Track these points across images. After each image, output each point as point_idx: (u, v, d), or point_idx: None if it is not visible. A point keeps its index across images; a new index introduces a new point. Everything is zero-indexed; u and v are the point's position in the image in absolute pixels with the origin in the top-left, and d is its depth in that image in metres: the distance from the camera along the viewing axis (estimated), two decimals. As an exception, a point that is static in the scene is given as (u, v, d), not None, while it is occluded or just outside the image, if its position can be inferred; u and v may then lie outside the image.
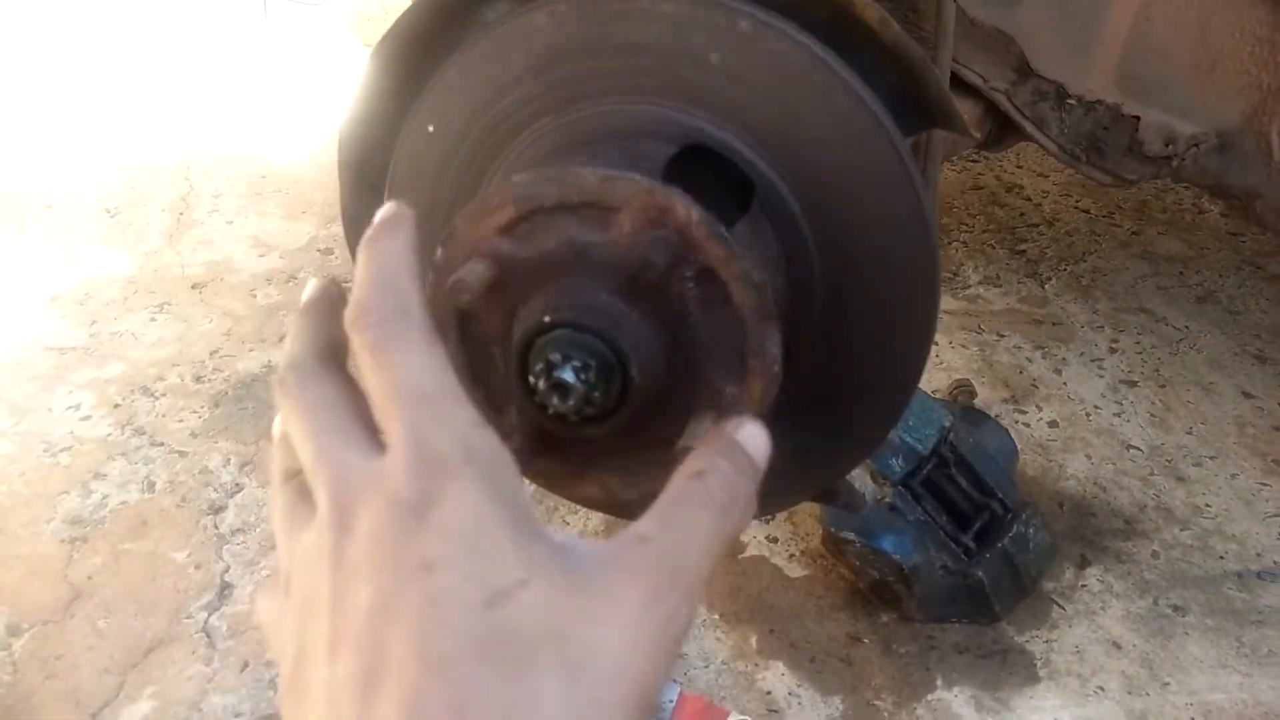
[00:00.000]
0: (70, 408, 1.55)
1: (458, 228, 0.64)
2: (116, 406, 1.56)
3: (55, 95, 2.40)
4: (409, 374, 0.40)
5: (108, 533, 1.36)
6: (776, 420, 0.70)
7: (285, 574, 0.40)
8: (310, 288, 0.47)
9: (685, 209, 0.63)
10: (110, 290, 1.80)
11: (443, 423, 0.39)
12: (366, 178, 0.87)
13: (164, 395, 1.58)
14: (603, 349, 0.64)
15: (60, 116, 2.32)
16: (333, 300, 0.47)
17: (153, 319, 1.74)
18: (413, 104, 0.81)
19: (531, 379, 0.65)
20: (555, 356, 0.64)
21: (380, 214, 0.46)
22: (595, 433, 0.58)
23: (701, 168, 0.71)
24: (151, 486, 1.43)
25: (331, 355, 0.44)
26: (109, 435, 1.50)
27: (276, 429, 0.45)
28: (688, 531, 0.41)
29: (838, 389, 0.80)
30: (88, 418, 1.53)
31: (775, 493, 0.91)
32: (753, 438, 0.47)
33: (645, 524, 0.41)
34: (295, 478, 0.43)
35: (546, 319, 0.64)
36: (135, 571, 1.31)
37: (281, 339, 1.71)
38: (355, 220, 0.90)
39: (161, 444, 1.49)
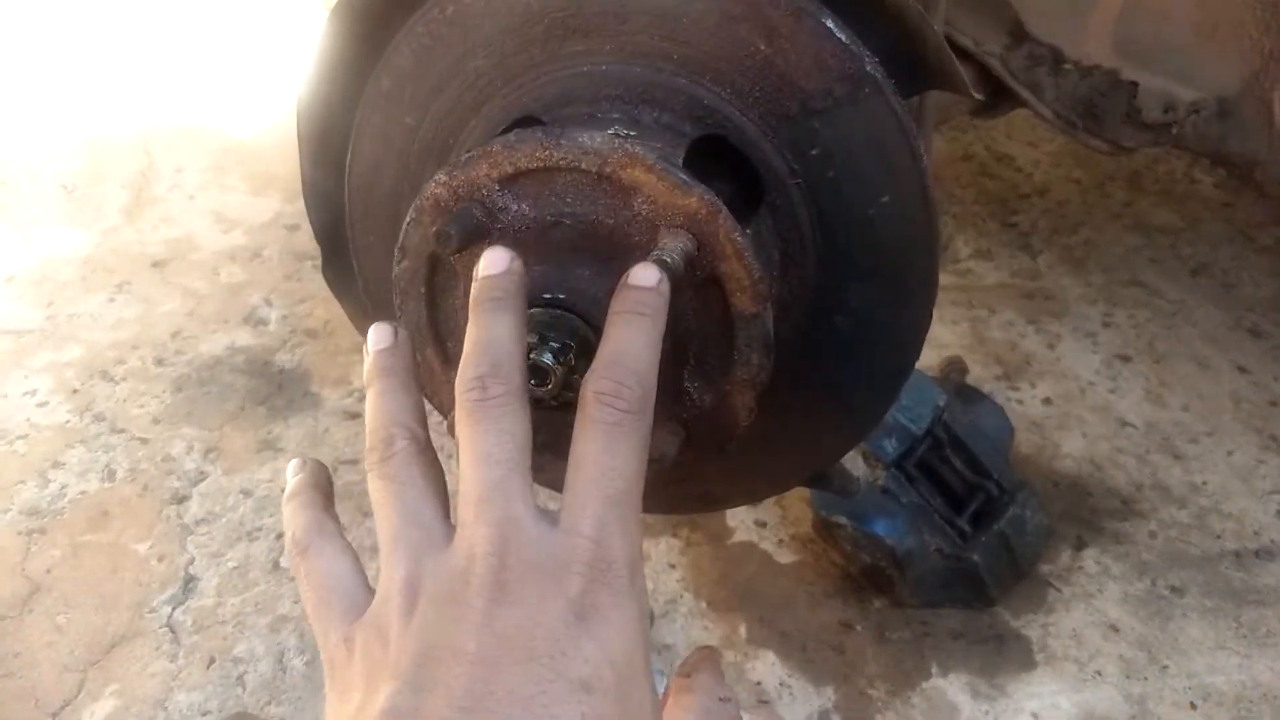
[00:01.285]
0: (27, 393, 1.48)
1: (460, 164, 0.58)
2: (75, 392, 1.49)
3: (7, 68, 2.31)
4: (626, 471, 0.43)
5: (67, 524, 1.29)
6: (768, 403, 0.65)
7: (406, 591, 0.41)
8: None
9: (717, 216, 0.57)
10: (68, 270, 1.73)
11: (626, 530, 0.41)
12: (328, 148, 0.81)
13: (124, 379, 1.51)
14: (586, 331, 0.58)
15: (13, 90, 2.23)
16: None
17: (112, 300, 1.67)
18: (374, 68, 0.75)
19: None
20: (533, 338, 0.58)
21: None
22: (569, 415, 0.53)
23: (710, 151, 0.65)
24: (112, 475, 1.36)
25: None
26: (67, 422, 1.44)
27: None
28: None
29: (833, 369, 0.75)
30: (45, 404, 1.47)
31: (768, 477, 0.86)
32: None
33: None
34: (425, 458, 0.47)
35: (545, 296, 0.59)
36: (96, 564, 1.25)
37: (247, 319, 1.64)
38: (317, 193, 0.84)
39: (122, 430, 1.43)
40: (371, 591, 0.44)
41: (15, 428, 1.42)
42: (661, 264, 0.54)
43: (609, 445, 0.43)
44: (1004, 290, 1.81)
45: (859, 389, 0.77)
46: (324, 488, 0.52)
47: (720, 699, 0.53)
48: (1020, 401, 1.57)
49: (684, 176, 0.56)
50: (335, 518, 0.50)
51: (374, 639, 0.41)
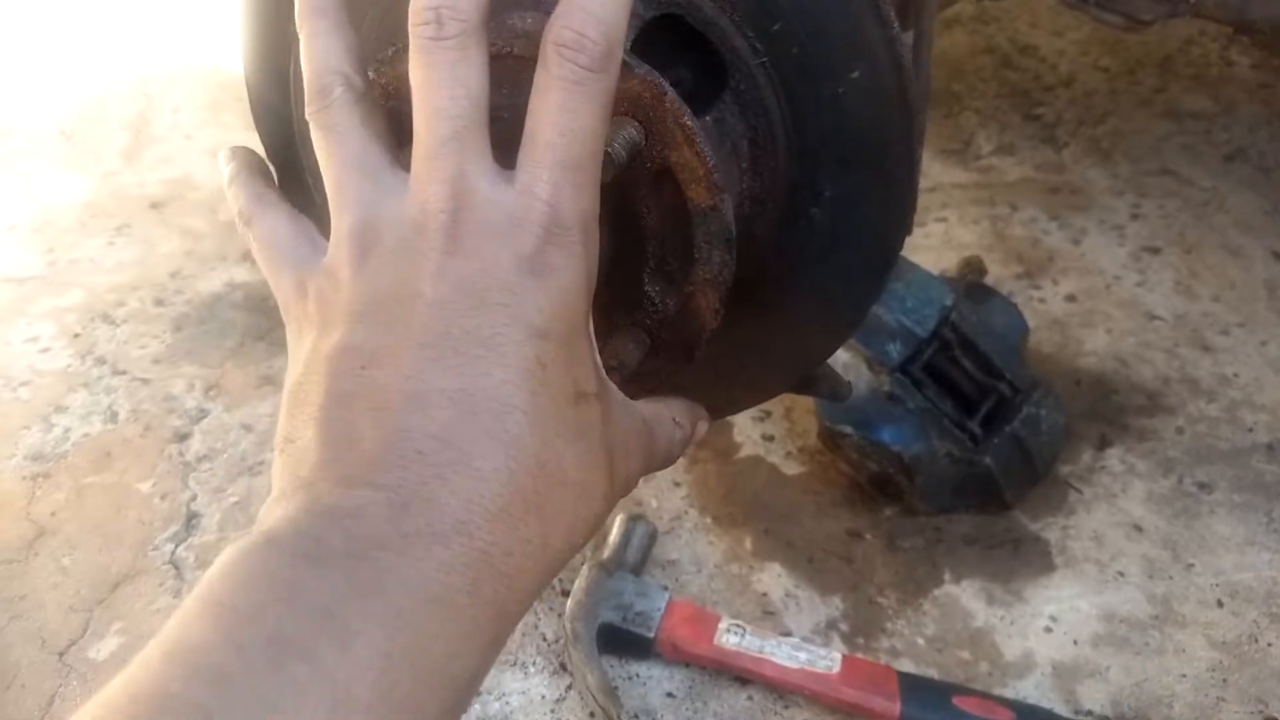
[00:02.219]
0: (29, 340, 1.48)
1: (387, 60, 0.53)
2: (76, 336, 1.48)
3: (4, 14, 2.28)
4: (585, 132, 0.42)
5: (70, 467, 1.30)
6: (741, 305, 0.61)
7: (356, 239, 0.41)
8: None
9: (662, 99, 0.53)
10: (68, 215, 1.72)
11: (581, 192, 0.41)
12: (272, 59, 0.78)
13: (125, 321, 1.50)
14: None
15: (9, 38, 2.21)
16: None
17: (111, 243, 1.65)
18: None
19: None
20: None
21: None
22: None
23: (666, 29, 0.60)
24: (114, 417, 1.36)
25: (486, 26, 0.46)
26: (69, 366, 1.44)
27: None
28: (662, 443, 0.53)
29: (811, 266, 0.71)
30: (47, 349, 1.46)
31: (749, 384, 0.82)
32: (701, 417, 0.59)
33: (647, 409, 0.51)
34: (367, 102, 0.46)
35: None
36: (99, 505, 1.25)
37: (245, 255, 1.62)
38: (264, 107, 0.81)
39: (123, 372, 1.42)
40: (324, 248, 0.44)
41: (18, 374, 1.42)
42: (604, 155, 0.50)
43: (568, 104, 0.41)
44: (1027, 185, 1.73)
45: (840, 286, 0.73)
46: (260, 169, 0.53)
47: (674, 420, 0.53)
48: (1043, 300, 1.51)
49: (629, 58, 0.52)
50: (278, 190, 0.51)
51: (327, 283, 0.42)
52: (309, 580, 0.34)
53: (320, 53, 0.46)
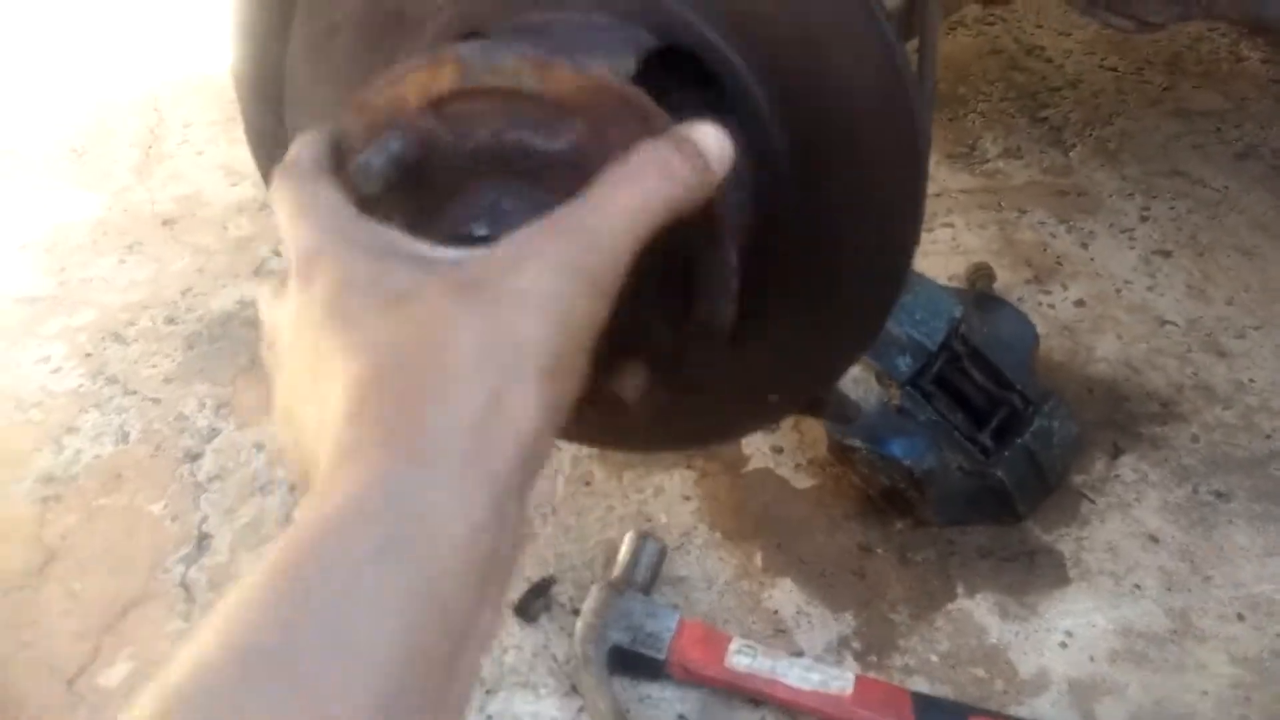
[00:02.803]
0: (40, 360, 1.49)
1: (372, 93, 0.53)
2: (88, 356, 1.49)
3: (13, 33, 2.29)
4: (288, 208, 0.46)
5: (81, 489, 1.30)
6: (749, 327, 0.61)
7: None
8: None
9: (660, 124, 0.52)
10: (79, 234, 1.73)
11: (314, 225, 0.44)
12: (265, 85, 0.78)
13: (136, 340, 1.51)
14: None
15: (21, 55, 2.22)
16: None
17: (123, 261, 1.66)
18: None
19: None
20: None
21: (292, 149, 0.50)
22: None
23: (661, 58, 0.60)
24: (125, 437, 1.36)
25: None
26: (80, 386, 1.44)
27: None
28: (604, 199, 0.44)
29: (818, 286, 0.70)
30: (58, 370, 1.47)
31: (758, 407, 0.82)
32: (704, 127, 0.48)
33: (558, 211, 0.43)
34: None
35: (480, 232, 0.54)
36: (110, 528, 1.25)
37: (257, 270, 1.63)
38: (258, 133, 0.81)
39: (134, 392, 1.43)
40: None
41: (30, 396, 1.43)
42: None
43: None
44: (1034, 189, 1.72)
45: (850, 305, 0.72)
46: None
47: (646, 156, 0.46)
48: (1051, 306, 1.49)
49: (630, 89, 0.51)
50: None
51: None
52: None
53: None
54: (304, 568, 0.35)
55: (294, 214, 0.46)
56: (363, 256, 0.43)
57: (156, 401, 1.41)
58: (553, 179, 0.50)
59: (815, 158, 0.64)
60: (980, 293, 1.32)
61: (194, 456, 1.34)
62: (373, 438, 0.38)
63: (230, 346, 1.49)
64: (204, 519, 1.26)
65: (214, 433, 1.37)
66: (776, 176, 0.63)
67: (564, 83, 0.49)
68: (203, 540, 1.23)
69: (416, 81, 0.50)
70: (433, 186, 0.52)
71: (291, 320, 0.44)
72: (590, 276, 0.42)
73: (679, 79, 0.59)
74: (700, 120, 0.48)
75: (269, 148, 0.83)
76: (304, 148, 0.50)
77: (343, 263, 0.43)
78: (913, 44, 1.00)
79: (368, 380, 0.39)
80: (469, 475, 0.37)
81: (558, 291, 0.41)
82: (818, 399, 0.83)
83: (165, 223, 1.75)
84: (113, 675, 1.10)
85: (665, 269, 0.57)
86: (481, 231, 0.51)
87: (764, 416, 0.86)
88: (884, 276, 0.69)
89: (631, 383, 0.57)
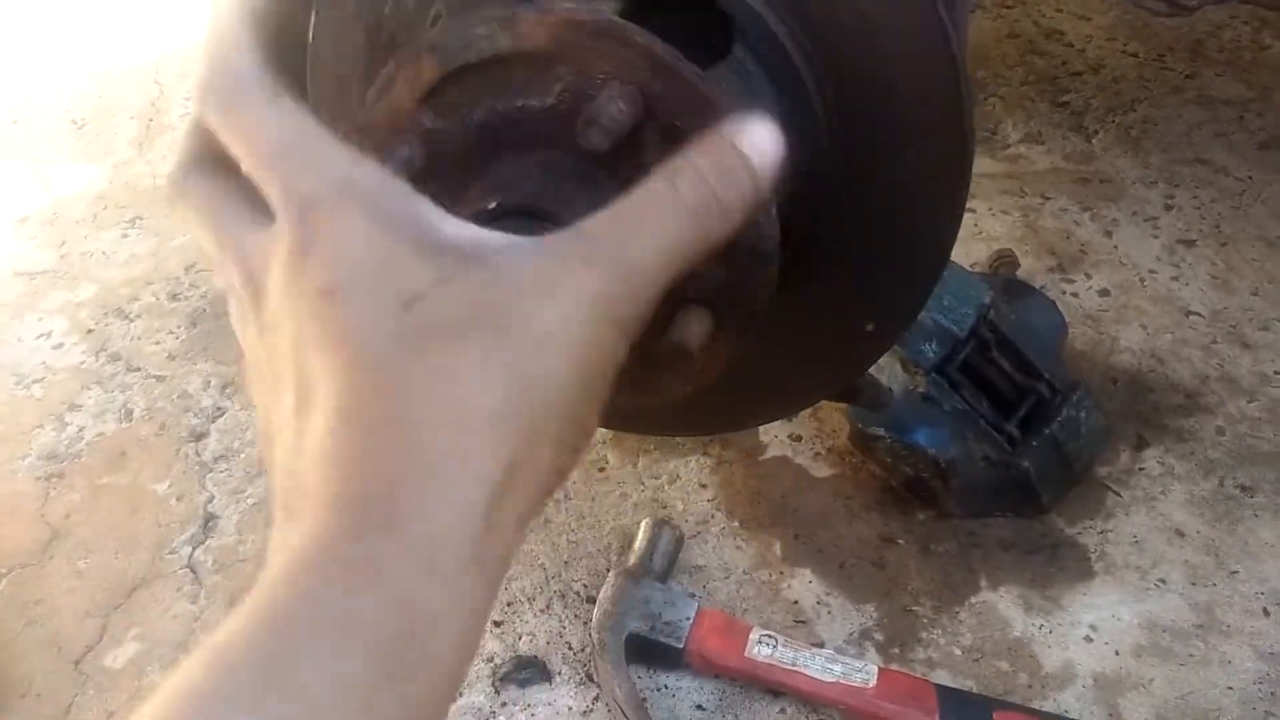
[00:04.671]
0: (41, 335, 1.46)
1: (370, 110, 0.51)
2: (90, 331, 1.46)
3: (13, 3, 2.25)
4: (263, 132, 0.38)
5: (85, 467, 1.27)
6: (782, 305, 0.58)
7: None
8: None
9: (643, 45, 0.49)
10: (80, 207, 1.69)
11: (309, 167, 0.38)
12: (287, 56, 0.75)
13: (139, 316, 1.48)
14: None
15: (21, 26, 2.18)
16: None
17: (125, 235, 1.62)
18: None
19: None
20: None
21: None
22: None
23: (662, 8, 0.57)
24: (129, 415, 1.34)
25: (214, 153, 0.42)
26: (83, 363, 1.41)
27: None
28: (642, 231, 0.38)
29: (855, 266, 0.68)
30: (60, 345, 1.44)
31: (788, 392, 0.79)
32: (755, 135, 0.41)
33: (591, 221, 0.38)
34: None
35: (491, 205, 0.52)
36: (115, 507, 1.23)
37: (261, 248, 1.59)
38: None
39: (138, 369, 1.40)
40: None
41: (31, 371, 1.40)
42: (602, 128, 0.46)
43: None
44: (1056, 175, 1.69)
45: (884, 291, 0.70)
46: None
47: (669, 182, 0.39)
48: (1075, 294, 1.47)
49: (623, 24, 0.48)
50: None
51: None
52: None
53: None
54: (276, 659, 0.31)
55: (277, 147, 0.38)
56: (373, 224, 0.36)
57: (160, 379, 1.38)
58: (560, 136, 0.48)
59: (858, 134, 0.61)
60: (1008, 280, 1.29)
61: (199, 435, 1.31)
62: (367, 521, 0.33)
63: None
64: (210, 499, 1.23)
65: (219, 412, 1.34)
66: (812, 134, 0.60)
67: (534, 32, 0.46)
68: (209, 521, 1.21)
69: (404, 80, 0.48)
70: (452, 178, 0.50)
71: (276, 300, 0.37)
72: (620, 323, 0.37)
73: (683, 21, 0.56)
74: (750, 117, 0.42)
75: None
76: (235, 52, 0.40)
77: (350, 227, 0.36)
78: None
79: (359, 430, 0.34)
80: (470, 571, 0.34)
81: (586, 339, 0.36)
82: (851, 386, 0.81)
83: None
84: (119, 656, 1.08)
85: None
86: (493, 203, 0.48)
87: (795, 402, 0.83)
88: (927, 249, 0.66)
89: (696, 330, 0.53)
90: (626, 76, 0.46)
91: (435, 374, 0.34)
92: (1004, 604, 1.11)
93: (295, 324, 0.36)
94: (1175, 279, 1.49)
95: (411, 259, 0.36)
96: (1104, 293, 1.47)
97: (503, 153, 0.50)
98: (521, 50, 0.47)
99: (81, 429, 1.32)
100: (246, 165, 0.38)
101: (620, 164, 0.48)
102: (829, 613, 1.10)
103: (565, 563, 1.14)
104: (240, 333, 0.41)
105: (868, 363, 0.77)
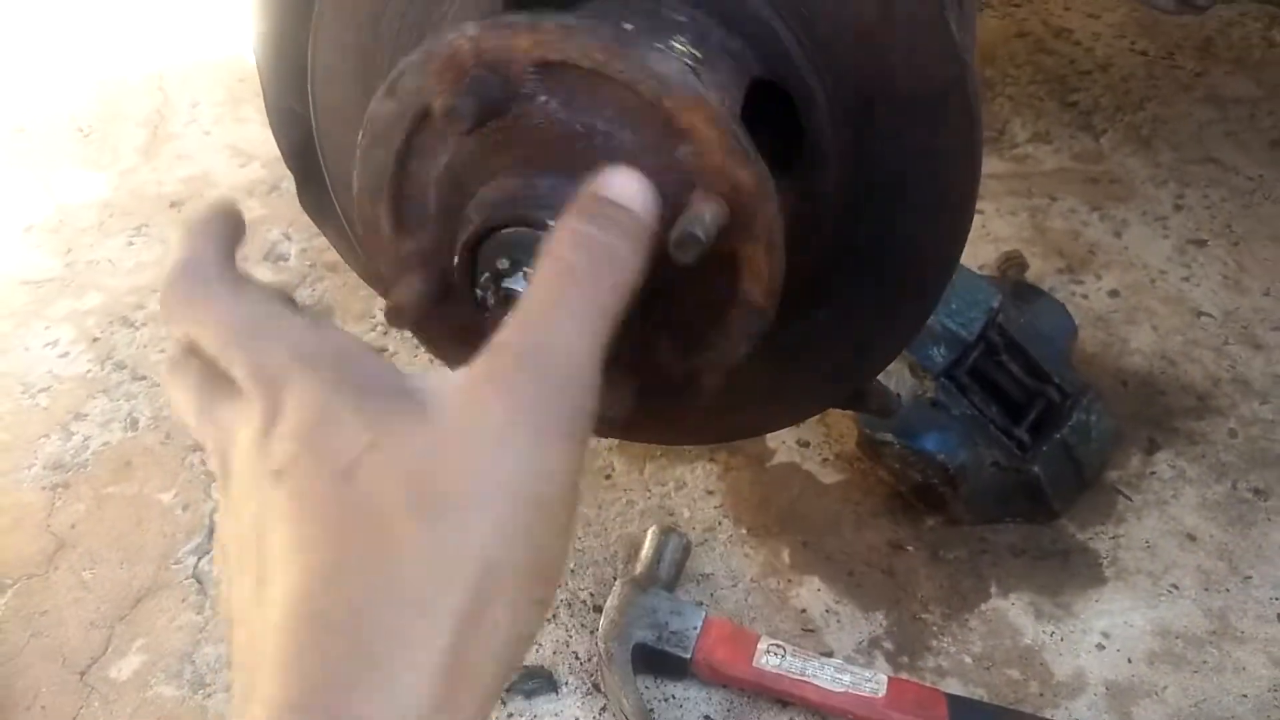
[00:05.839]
0: (48, 344, 1.45)
1: (498, 26, 0.48)
2: (95, 340, 1.46)
3: (20, 10, 2.25)
4: (223, 319, 0.41)
5: (90, 477, 1.27)
6: (787, 313, 0.57)
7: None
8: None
9: (766, 201, 0.48)
10: (86, 215, 1.69)
11: (266, 342, 0.39)
12: (286, 61, 0.75)
13: (144, 325, 1.48)
14: None
15: (26, 34, 2.18)
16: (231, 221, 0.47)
17: (130, 243, 1.62)
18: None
19: (479, 292, 0.52)
20: (503, 263, 0.51)
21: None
22: None
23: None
24: (134, 424, 1.33)
25: (191, 344, 0.44)
26: (89, 372, 1.41)
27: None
28: (551, 319, 0.38)
29: (862, 270, 0.67)
30: (66, 354, 1.44)
31: (795, 400, 0.78)
32: (619, 185, 0.42)
33: (503, 331, 0.38)
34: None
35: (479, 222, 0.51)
36: (120, 517, 1.22)
37: (266, 255, 1.59)
38: (281, 111, 0.78)
39: (144, 378, 1.40)
40: None
41: (37, 380, 1.40)
42: (691, 236, 0.46)
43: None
44: (1065, 175, 1.67)
45: (891, 301, 0.69)
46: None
47: (550, 248, 0.41)
48: (1085, 296, 1.46)
49: (746, 143, 0.48)
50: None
51: None
52: None
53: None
54: None
55: (241, 329, 0.40)
56: (326, 389, 0.37)
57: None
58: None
59: (867, 146, 0.61)
60: (1017, 282, 1.28)
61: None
62: (317, 709, 0.33)
63: (241, 331, 1.46)
64: (215, 509, 1.23)
65: (225, 420, 1.33)
66: (818, 141, 0.60)
67: (695, 112, 0.49)
68: (214, 531, 1.20)
69: (540, 38, 0.47)
70: (473, 153, 0.49)
71: (239, 481, 0.38)
72: (568, 427, 0.36)
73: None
74: (608, 172, 0.44)
75: (290, 128, 0.80)
76: (199, 243, 0.44)
77: (308, 397, 0.37)
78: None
79: (304, 625, 0.34)
80: None
81: (529, 472, 0.35)
82: (858, 392, 0.80)
83: (173, 204, 1.71)
84: (125, 667, 1.07)
85: (698, 308, 0.53)
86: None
87: (802, 409, 0.82)
88: (936, 252, 0.66)
89: (615, 401, 0.53)
90: (731, 200, 0.48)
91: (372, 557, 0.34)
92: (1015, 611, 1.10)
93: (256, 505, 0.37)
94: (1186, 279, 1.47)
95: (352, 422, 0.36)
96: (1114, 294, 1.45)
97: (575, 164, 0.49)
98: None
99: (87, 438, 1.32)
100: (213, 351, 0.40)
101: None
102: (838, 621, 1.09)
103: (571, 571, 1.13)
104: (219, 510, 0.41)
105: (875, 370, 0.76)
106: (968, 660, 1.06)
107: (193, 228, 0.45)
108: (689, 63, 0.49)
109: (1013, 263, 1.40)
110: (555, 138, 0.49)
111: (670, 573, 1.08)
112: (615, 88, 0.47)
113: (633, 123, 0.48)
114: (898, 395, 0.85)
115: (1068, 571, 1.13)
